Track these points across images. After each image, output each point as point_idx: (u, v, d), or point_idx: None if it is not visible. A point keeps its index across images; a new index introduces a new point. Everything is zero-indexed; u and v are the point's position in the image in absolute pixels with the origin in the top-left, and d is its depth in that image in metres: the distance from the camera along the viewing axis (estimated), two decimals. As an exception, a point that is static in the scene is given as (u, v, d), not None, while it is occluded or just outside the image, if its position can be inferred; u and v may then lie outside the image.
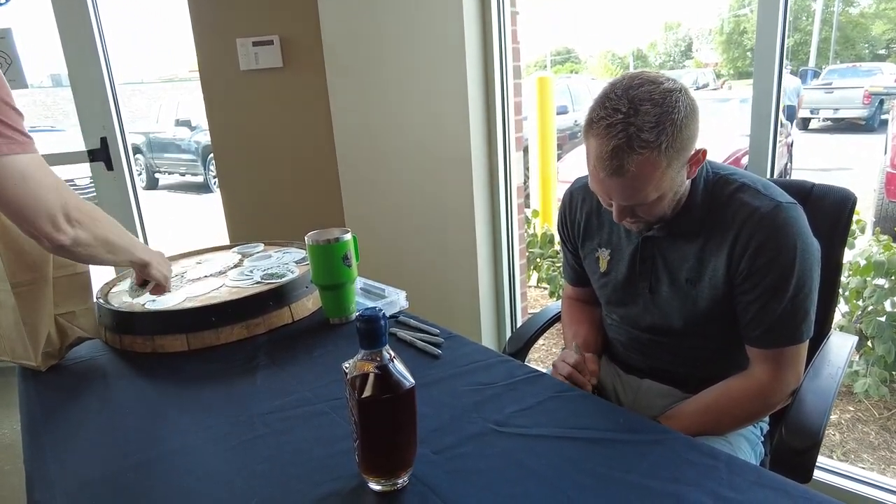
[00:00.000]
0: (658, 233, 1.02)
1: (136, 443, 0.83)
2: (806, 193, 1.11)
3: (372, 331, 0.65)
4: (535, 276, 3.38)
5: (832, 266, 1.09)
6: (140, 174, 9.72)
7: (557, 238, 3.23)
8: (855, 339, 1.16)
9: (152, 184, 9.93)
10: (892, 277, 2.17)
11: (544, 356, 2.80)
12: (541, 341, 2.90)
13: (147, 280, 1.12)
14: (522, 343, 1.30)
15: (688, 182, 0.96)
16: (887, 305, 2.19)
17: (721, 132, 4.76)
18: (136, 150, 9.56)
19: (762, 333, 0.95)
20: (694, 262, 0.99)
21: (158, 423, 0.88)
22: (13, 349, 1.06)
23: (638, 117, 0.84)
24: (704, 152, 0.93)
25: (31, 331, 1.03)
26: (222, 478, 0.74)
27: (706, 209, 0.98)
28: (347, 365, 0.69)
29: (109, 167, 2.44)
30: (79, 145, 2.41)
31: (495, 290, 2.15)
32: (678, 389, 1.08)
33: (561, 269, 3.11)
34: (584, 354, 1.10)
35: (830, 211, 1.08)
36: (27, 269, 1.02)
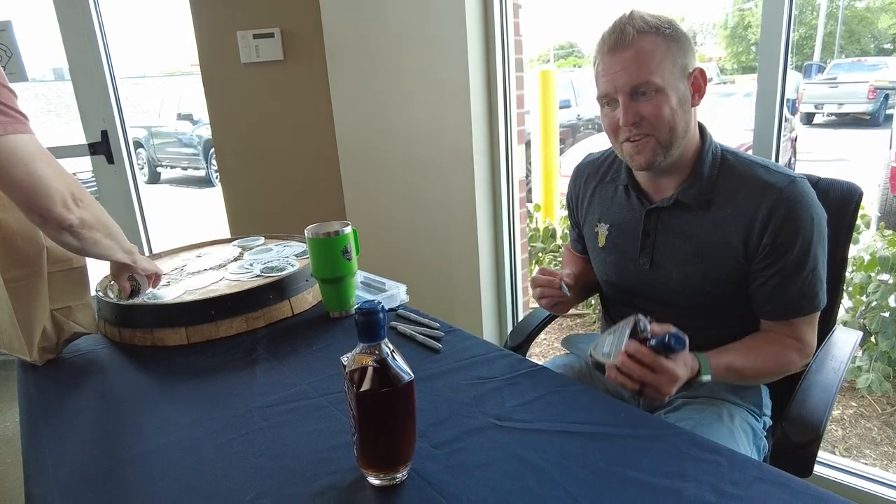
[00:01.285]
0: (663, 203, 1.02)
1: (134, 436, 0.83)
2: (811, 187, 1.10)
3: (370, 324, 0.65)
4: (536, 270, 3.37)
5: (837, 261, 1.08)
6: (142, 168, 9.72)
7: (567, 233, 3.22)
8: (860, 334, 1.15)
9: (154, 178, 9.94)
10: (896, 272, 2.15)
11: (546, 350, 2.79)
12: (542, 336, 2.89)
13: (133, 288, 1.13)
14: (524, 337, 1.29)
15: (692, 116, 0.98)
16: (891, 301, 2.18)
17: (725, 127, 4.74)
18: (138, 144, 9.56)
19: (780, 307, 0.97)
20: (703, 235, 0.99)
21: (157, 417, 0.88)
22: (10, 343, 1.06)
23: (639, 13, 0.95)
24: (703, 73, 0.97)
25: (25, 326, 1.02)
26: (221, 471, 0.73)
27: (713, 180, 0.99)
28: (346, 358, 0.69)
29: (110, 160, 2.44)
30: (80, 139, 2.41)
31: (496, 285, 2.15)
32: None
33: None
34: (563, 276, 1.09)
35: (836, 205, 1.07)
36: (20, 265, 1.01)
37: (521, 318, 2.18)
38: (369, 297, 1.20)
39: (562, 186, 4.61)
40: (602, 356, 0.91)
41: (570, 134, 7.78)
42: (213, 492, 0.70)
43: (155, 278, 1.17)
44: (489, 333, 2.14)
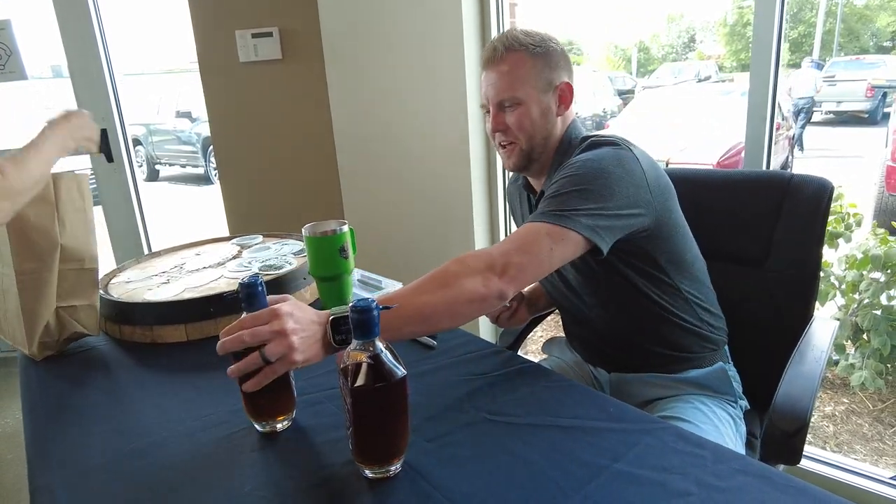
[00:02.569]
0: (537, 198, 1.11)
1: (135, 431, 0.85)
2: (785, 184, 1.13)
3: (365, 321, 0.67)
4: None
5: (813, 255, 1.11)
6: (141, 166, 9.72)
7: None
8: (836, 323, 1.18)
9: (153, 175, 9.93)
10: (889, 271, 2.17)
11: (535, 352, 2.82)
12: (538, 332, 2.91)
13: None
14: (514, 337, 1.32)
15: (555, 124, 1.05)
16: (883, 299, 2.20)
17: (723, 124, 4.75)
18: (137, 141, 9.55)
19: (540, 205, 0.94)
20: None
21: (157, 412, 0.90)
22: (13, 335, 1.08)
23: (512, 33, 1.05)
24: (570, 86, 1.06)
25: (29, 319, 1.04)
26: (219, 465, 0.75)
27: (558, 165, 1.03)
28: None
29: (110, 159, 2.45)
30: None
31: (493, 283, 2.16)
32: (626, 373, 1.12)
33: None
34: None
35: (809, 200, 1.10)
36: (34, 258, 1.03)
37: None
38: (366, 294, 1.22)
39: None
40: None
41: (569, 132, 7.77)
42: (213, 483, 0.72)
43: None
44: (485, 330, 2.16)
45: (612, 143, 0.98)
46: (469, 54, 1.89)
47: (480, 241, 2.06)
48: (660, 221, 0.97)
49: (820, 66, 9.75)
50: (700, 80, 12.87)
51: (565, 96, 1.06)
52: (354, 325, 0.67)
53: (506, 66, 1.03)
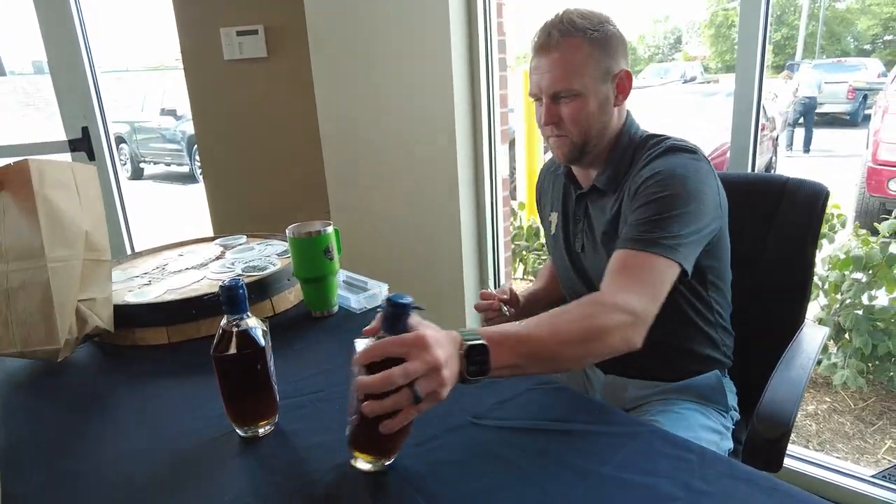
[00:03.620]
0: (586, 189, 1.07)
1: (115, 435, 0.83)
2: (780, 187, 1.13)
3: (398, 316, 0.67)
4: (521, 268, 3.40)
5: (806, 259, 1.11)
6: (125, 164, 9.60)
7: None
8: (827, 330, 1.18)
9: (137, 174, 9.82)
10: (870, 271, 2.20)
11: (529, 348, 2.82)
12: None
13: None
14: (505, 335, 1.30)
15: (612, 115, 1.01)
16: (864, 299, 2.23)
17: (708, 126, 4.79)
18: (120, 139, 9.43)
19: (623, 237, 0.91)
20: (610, 216, 1.02)
21: (137, 417, 0.88)
22: (27, 336, 0.98)
23: (568, 14, 0.98)
24: (629, 74, 1.00)
25: (61, 310, 0.98)
26: (200, 471, 0.74)
27: (627, 164, 1.02)
28: (361, 343, 0.70)
29: (91, 157, 2.41)
30: (61, 134, 2.38)
31: (480, 283, 2.16)
32: (631, 378, 1.10)
33: (546, 261, 3.14)
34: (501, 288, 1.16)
35: (804, 204, 1.10)
36: (65, 245, 0.99)
37: (504, 315, 2.19)
38: (351, 296, 1.21)
39: (546, 184, 4.63)
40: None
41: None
42: (194, 490, 0.70)
43: None
44: (473, 331, 2.16)
45: (690, 150, 0.97)
46: (456, 55, 1.88)
47: (467, 241, 2.05)
48: (720, 237, 0.99)
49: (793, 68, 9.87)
50: (686, 81, 13.00)
51: (623, 85, 1.00)
52: (387, 318, 0.68)
53: (561, 53, 0.95)
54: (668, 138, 1.01)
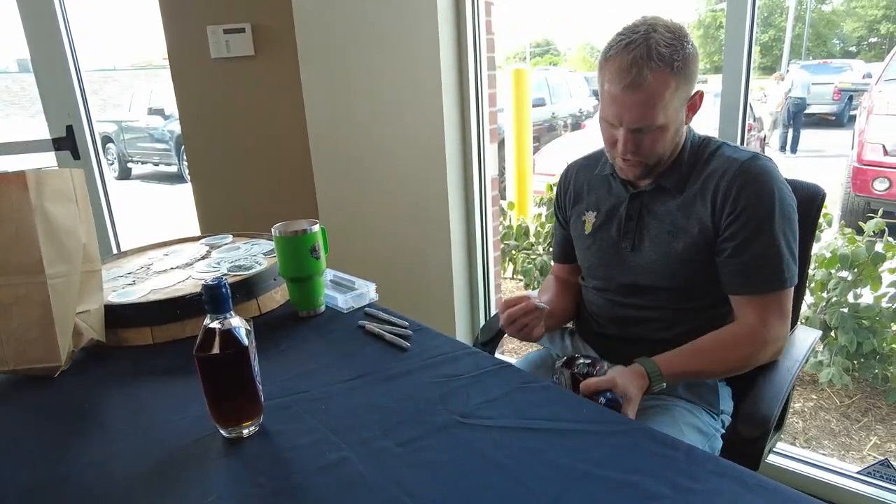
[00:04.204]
0: (647, 187, 1.07)
1: (97, 438, 0.81)
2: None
3: None
4: (510, 268, 3.40)
5: (802, 259, 1.11)
6: (112, 164, 9.51)
7: (540, 231, 3.23)
8: (819, 333, 1.19)
9: (125, 174, 9.73)
10: (855, 270, 2.22)
11: (517, 347, 2.82)
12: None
13: None
14: (494, 333, 1.30)
15: (683, 131, 1.02)
16: (850, 297, 2.25)
17: (696, 126, 4.82)
18: (108, 139, 9.34)
19: (745, 279, 0.99)
20: (677, 214, 1.03)
21: (120, 418, 0.87)
22: (21, 353, 0.96)
23: (656, 33, 0.93)
24: (702, 95, 1.00)
25: (62, 326, 0.97)
26: (183, 472, 0.73)
27: (691, 165, 1.04)
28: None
29: (76, 156, 2.38)
30: (46, 132, 2.35)
31: (469, 283, 2.16)
32: None
33: (536, 261, 3.14)
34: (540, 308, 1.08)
35: (801, 205, 1.10)
36: (63, 260, 0.98)
37: (492, 314, 2.19)
38: (339, 296, 1.20)
39: (535, 185, 4.65)
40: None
41: (545, 132, 7.84)
42: (177, 492, 0.69)
43: None
44: (461, 330, 2.16)
45: (776, 169, 1.00)
46: (444, 54, 1.88)
47: (456, 240, 2.05)
48: None
49: (788, 70, 9.97)
50: (674, 82, 13.05)
51: (696, 105, 1.01)
52: None
53: (650, 91, 0.93)
54: (753, 155, 1.02)
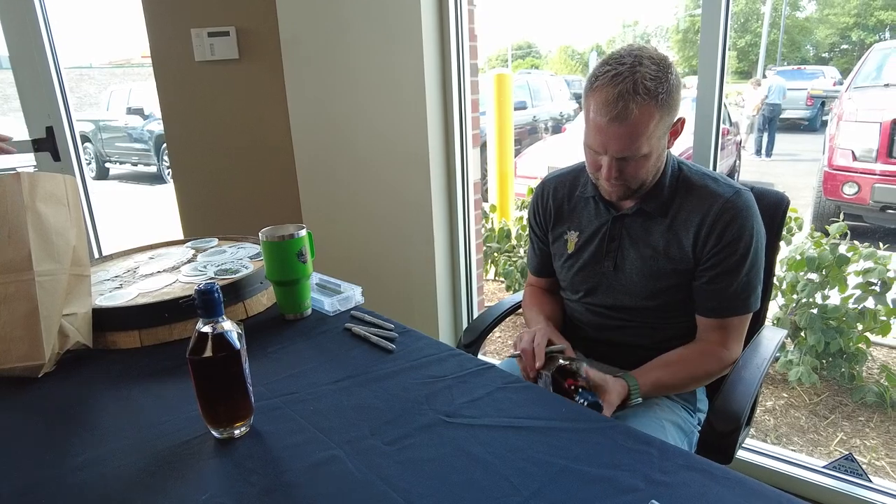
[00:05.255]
0: (628, 211, 1.10)
1: (86, 440, 0.83)
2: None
3: None
4: (492, 270, 3.44)
5: (767, 264, 1.17)
6: (89, 163, 9.36)
7: (521, 234, 3.27)
8: (784, 332, 1.25)
9: (102, 174, 9.58)
10: (823, 272, 2.30)
11: (500, 348, 2.86)
12: (496, 333, 2.95)
13: None
14: (477, 335, 1.33)
15: (665, 156, 1.06)
16: (818, 298, 2.33)
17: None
18: (85, 138, 9.19)
19: (718, 305, 1.06)
20: (660, 240, 1.08)
21: (109, 420, 0.88)
22: (6, 352, 0.97)
23: (642, 67, 0.95)
24: (683, 121, 1.03)
25: (47, 325, 0.98)
26: (175, 473, 0.75)
27: (673, 191, 1.08)
28: None
29: (56, 158, 2.36)
30: (24, 132, 2.32)
31: (452, 285, 2.19)
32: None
33: (518, 263, 3.18)
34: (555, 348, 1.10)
35: (766, 213, 1.16)
36: (52, 259, 0.99)
37: (475, 316, 2.23)
38: (325, 299, 1.22)
39: (517, 187, 4.70)
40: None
41: (527, 134, 7.91)
42: (169, 492, 0.71)
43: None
44: (445, 332, 2.19)
45: (755, 205, 1.06)
46: (428, 60, 1.90)
47: (440, 243, 2.08)
48: None
49: (764, 76, 10.20)
50: (653, 86, 13.23)
51: (678, 131, 1.04)
52: None
53: (634, 123, 0.96)
54: (706, 172, 1.09)
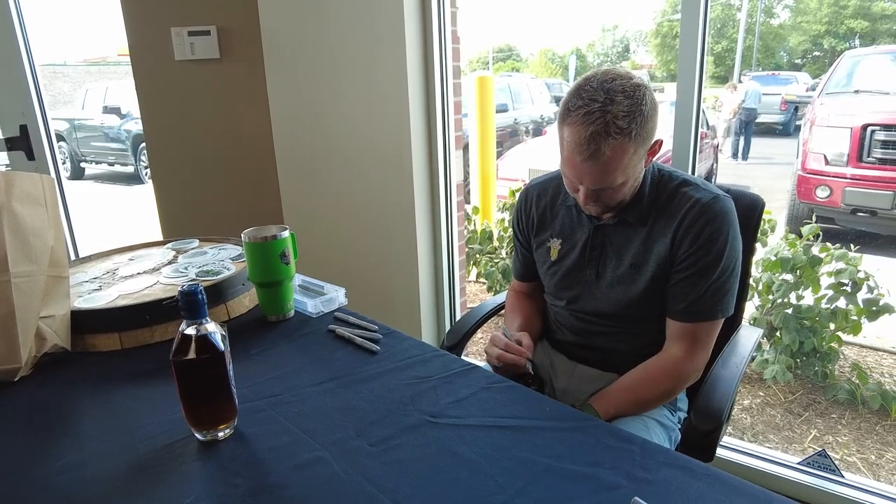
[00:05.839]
0: (609, 221, 1.11)
1: (67, 444, 0.82)
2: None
3: None
4: (474, 271, 3.45)
5: (743, 263, 1.19)
6: (64, 163, 9.17)
7: (503, 236, 3.30)
8: (760, 331, 1.27)
9: (78, 173, 9.39)
10: (797, 273, 2.36)
11: (483, 349, 2.87)
12: (479, 334, 2.97)
13: None
14: (459, 337, 1.34)
15: (642, 176, 1.07)
16: (793, 298, 2.39)
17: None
18: (59, 137, 9.01)
19: (686, 307, 1.06)
20: (640, 248, 1.09)
21: (90, 424, 0.87)
22: None
23: (613, 106, 0.94)
24: (660, 143, 1.03)
25: (24, 327, 0.96)
26: (158, 477, 0.74)
27: (652, 200, 1.09)
28: None
29: (31, 157, 2.32)
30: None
31: (435, 286, 2.20)
32: (612, 373, 1.16)
33: (499, 265, 3.20)
34: (512, 335, 1.16)
35: (742, 214, 1.18)
36: (29, 260, 0.97)
37: (458, 318, 2.24)
38: (308, 300, 1.22)
39: (499, 189, 4.73)
40: None
41: (508, 137, 7.96)
42: (152, 495, 0.71)
43: None
44: (427, 333, 2.19)
45: (733, 211, 1.07)
46: (411, 64, 1.91)
47: (422, 245, 2.08)
48: None
49: (739, 80, 10.42)
50: (632, 90, 13.43)
51: (655, 151, 1.04)
52: None
53: (607, 160, 0.96)
54: (687, 178, 1.10)
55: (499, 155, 5.62)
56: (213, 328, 0.79)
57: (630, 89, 0.95)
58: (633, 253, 1.10)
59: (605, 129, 0.94)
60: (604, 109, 0.94)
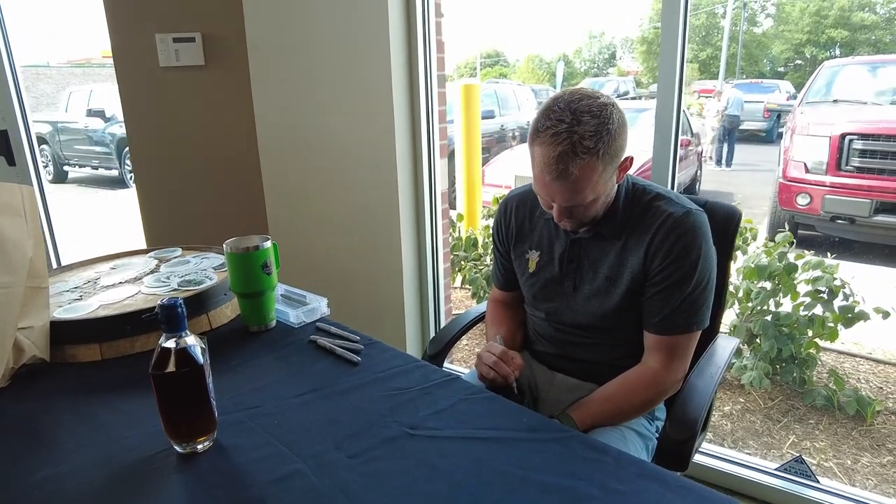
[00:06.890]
0: (585, 234, 1.13)
1: (46, 457, 0.81)
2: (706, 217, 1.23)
3: None
4: (459, 277, 3.46)
5: (720, 274, 1.21)
6: (46, 166, 9.06)
7: (488, 242, 3.31)
8: (737, 341, 1.30)
9: (60, 177, 9.28)
10: (775, 280, 2.40)
11: (467, 356, 2.88)
12: (464, 341, 2.98)
13: None
14: (442, 345, 1.34)
15: (614, 191, 1.08)
16: (771, 306, 2.43)
17: (638, 141, 5.04)
18: (41, 140, 8.90)
19: (661, 320, 1.07)
20: (614, 261, 1.10)
21: (69, 436, 0.86)
22: None
23: (580, 126, 0.96)
24: (631, 159, 1.05)
25: (2, 339, 0.95)
26: (137, 489, 0.74)
27: (626, 214, 1.10)
28: None
29: (11, 162, 2.30)
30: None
31: (420, 294, 2.20)
32: (591, 383, 1.17)
33: (483, 271, 3.21)
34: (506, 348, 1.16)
35: (719, 225, 1.21)
36: (7, 271, 0.96)
37: (442, 325, 2.25)
38: (290, 310, 1.22)
39: (485, 195, 4.75)
40: None
41: (495, 143, 8.00)
42: (129, 510, 0.71)
43: None
44: (412, 341, 2.20)
45: (706, 225, 1.08)
46: (395, 73, 1.92)
47: (407, 253, 2.09)
48: None
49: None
50: (619, 96, 13.59)
51: (626, 167, 1.05)
52: None
53: (576, 180, 0.98)
54: (660, 192, 1.11)
55: (485, 161, 5.65)
56: (192, 341, 0.79)
57: (597, 109, 0.97)
58: (607, 266, 1.11)
59: (573, 150, 0.95)
60: (571, 130, 0.95)
